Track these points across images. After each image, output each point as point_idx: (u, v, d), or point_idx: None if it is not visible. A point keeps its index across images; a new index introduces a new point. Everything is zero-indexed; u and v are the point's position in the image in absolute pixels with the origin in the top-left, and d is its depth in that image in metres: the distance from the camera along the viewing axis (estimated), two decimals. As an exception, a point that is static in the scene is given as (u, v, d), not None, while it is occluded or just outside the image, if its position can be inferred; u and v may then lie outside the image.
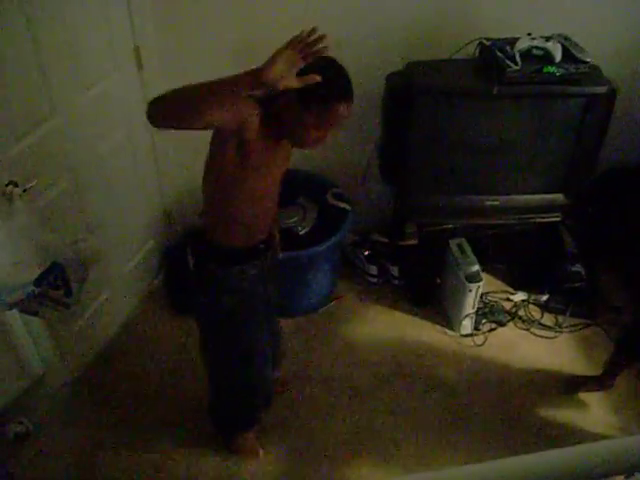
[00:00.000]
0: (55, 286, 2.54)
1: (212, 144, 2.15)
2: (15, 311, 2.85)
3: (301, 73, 1.80)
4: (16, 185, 2.49)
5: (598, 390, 3.27)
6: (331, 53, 3.29)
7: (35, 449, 2.97)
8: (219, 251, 2.32)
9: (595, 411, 3.21)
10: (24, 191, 2.52)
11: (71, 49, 2.73)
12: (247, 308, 2.42)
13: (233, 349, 2.54)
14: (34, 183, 2.57)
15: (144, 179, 3.53)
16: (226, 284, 2.36)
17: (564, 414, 3.19)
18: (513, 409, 3.21)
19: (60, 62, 2.68)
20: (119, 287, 3.49)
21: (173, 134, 3.55)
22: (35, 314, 2.55)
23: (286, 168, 2.30)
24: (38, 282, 2.45)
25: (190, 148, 3.66)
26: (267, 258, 2.44)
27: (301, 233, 3.52)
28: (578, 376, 3.34)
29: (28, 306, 2.50)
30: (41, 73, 2.58)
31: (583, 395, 3.27)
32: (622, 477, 1.25)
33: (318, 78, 1.80)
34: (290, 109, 1.97)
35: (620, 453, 0.98)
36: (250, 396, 2.75)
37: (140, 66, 3.22)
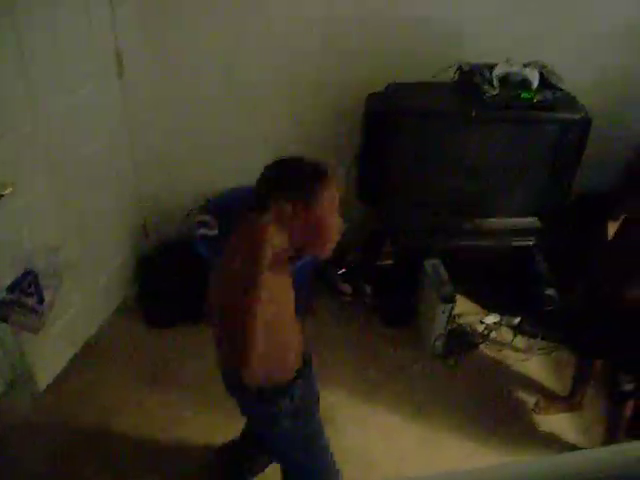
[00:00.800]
0: (27, 293, 2.54)
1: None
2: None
3: (272, 180, 1.91)
4: (-8, 190, 2.48)
5: (568, 411, 3.29)
6: (313, 73, 3.36)
7: (4, 457, 2.93)
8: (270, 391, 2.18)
9: (564, 433, 3.23)
10: (0, 197, 2.50)
11: (54, 54, 2.74)
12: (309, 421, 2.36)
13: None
14: (10, 190, 2.55)
15: (122, 189, 3.53)
16: (288, 411, 2.22)
17: (535, 435, 3.21)
18: (483, 429, 3.22)
19: (42, 66, 2.68)
20: (92, 297, 3.47)
21: (152, 145, 3.59)
22: (5, 320, 2.54)
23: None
24: (11, 289, 2.45)
25: (172, 160, 3.70)
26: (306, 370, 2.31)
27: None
28: (547, 398, 3.37)
29: (-1, 312, 2.49)
30: (23, 77, 2.58)
31: (553, 417, 3.29)
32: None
33: None
34: (300, 218, 1.89)
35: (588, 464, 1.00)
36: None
37: (121, 73, 3.24)
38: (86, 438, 3.07)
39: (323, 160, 1.97)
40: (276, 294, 1.91)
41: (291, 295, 2.06)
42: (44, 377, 3.24)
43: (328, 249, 2.01)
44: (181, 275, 3.65)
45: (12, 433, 3.04)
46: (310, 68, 3.44)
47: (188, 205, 3.71)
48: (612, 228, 2.89)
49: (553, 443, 3.18)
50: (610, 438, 3.02)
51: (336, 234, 1.98)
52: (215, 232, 3.55)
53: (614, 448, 1.01)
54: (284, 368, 2.14)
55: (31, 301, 2.55)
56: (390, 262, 3.68)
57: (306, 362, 2.28)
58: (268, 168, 1.93)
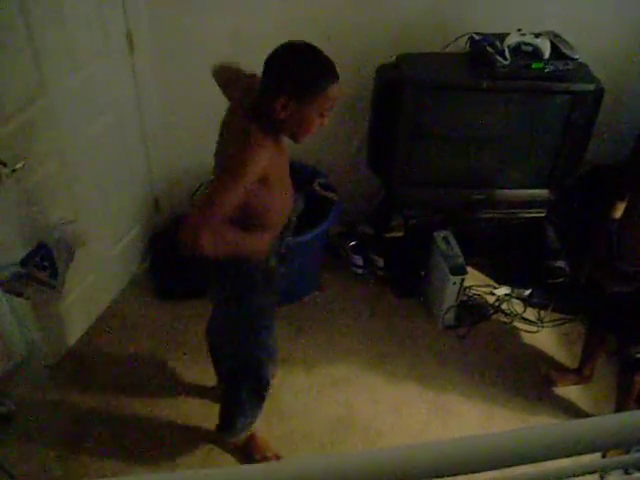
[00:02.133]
0: (41, 267, 2.55)
1: None
2: (-1, 292, 2.86)
3: (274, 59, 2.01)
4: (5, 165, 2.49)
5: (577, 383, 3.31)
6: (322, 44, 3.32)
7: (18, 430, 2.98)
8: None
9: (574, 403, 3.25)
10: (12, 171, 2.51)
11: (63, 31, 2.73)
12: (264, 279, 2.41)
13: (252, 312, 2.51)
14: (23, 164, 2.56)
15: (133, 164, 3.53)
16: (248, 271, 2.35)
17: (545, 406, 3.23)
18: (493, 400, 3.24)
19: (51, 43, 2.67)
20: (104, 271, 3.49)
21: (164, 119, 3.58)
22: (20, 295, 2.56)
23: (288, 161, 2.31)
24: (24, 262, 2.46)
25: (181, 135, 3.69)
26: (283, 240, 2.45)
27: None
28: (558, 370, 3.38)
29: (13, 286, 2.51)
30: (32, 54, 2.57)
31: (563, 389, 3.31)
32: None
33: None
34: (288, 111, 1.98)
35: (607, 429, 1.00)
36: (263, 355, 2.67)
37: (131, 50, 3.21)
38: (98, 411, 3.10)
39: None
40: (275, 170, 2.07)
41: (280, 160, 2.16)
42: (57, 350, 3.27)
43: (301, 140, 2.12)
44: (192, 249, 3.66)
45: (26, 406, 3.08)
46: (320, 41, 3.40)
47: (199, 179, 3.70)
48: (619, 209, 2.88)
49: (563, 413, 3.20)
50: (620, 408, 3.03)
51: (315, 130, 2.07)
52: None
53: (625, 415, 1.02)
54: (266, 225, 2.22)
55: (44, 275, 2.56)
56: (401, 234, 3.68)
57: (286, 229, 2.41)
58: (280, 51, 2.01)
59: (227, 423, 2.87)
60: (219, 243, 2.00)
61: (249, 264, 2.31)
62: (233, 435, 2.88)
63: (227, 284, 2.43)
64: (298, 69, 1.97)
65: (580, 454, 0.98)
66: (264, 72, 2.02)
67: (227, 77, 2.48)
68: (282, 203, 2.24)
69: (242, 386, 2.69)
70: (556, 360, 3.47)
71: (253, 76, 2.26)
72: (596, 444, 1.01)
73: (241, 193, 1.95)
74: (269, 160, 2.00)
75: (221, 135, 2.34)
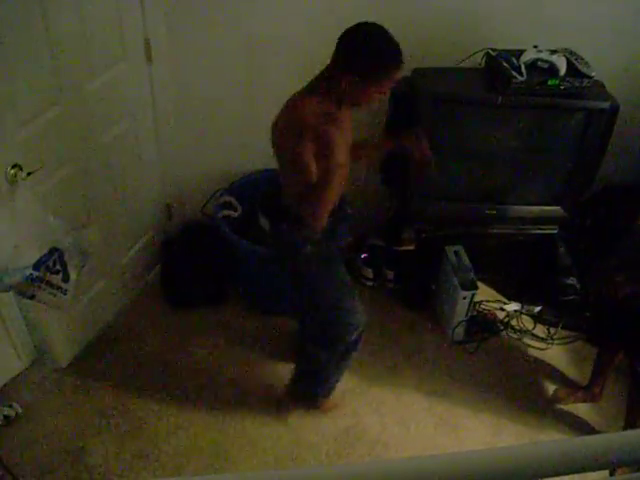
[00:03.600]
0: (54, 271, 2.56)
1: (286, 173, 2.46)
2: (11, 295, 2.87)
3: (347, 37, 2.19)
4: (20, 169, 2.50)
5: (586, 401, 3.29)
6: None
7: (24, 433, 2.98)
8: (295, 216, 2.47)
9: (583, 421, 3.23)
10: (28, 175, 2.53)
11: (82, 37, 2.74)
12: (324, 254, 2.62)
13: (327, 286, 2.71)
14: (38, 168, 2.57)
15: (146, 171, 3.55)
16: (302, 242, 2.54)
17: (553, 423, 3.21)
18: (501, 416, 3.23)
19: (70, 49, 2.69)
20: (116, 277, 3.50)
21: (178, 127, 3.60)
22: (32, 297, 2.56)
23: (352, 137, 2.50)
24: (37, 266, 2.47)
25: (194, 143, 3.71)
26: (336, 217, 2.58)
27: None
28: (567, 387, 3.36)
29: (25, 289, 2.51)
30: (51, 59, 2.59)
31: (572, 406, 3.29)
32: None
33: None
34: (352, 87, 2.18)
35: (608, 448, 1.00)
36: (344, 317, 2.80)
37: (149, 58, 3.23)
38: (105, 416, 3.11)
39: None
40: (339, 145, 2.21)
41: (348, 134, 2.39)
42: (67, 355, 3.28)
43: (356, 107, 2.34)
44: (204, 257, 3.67)
45: (33, 409, 3.08)
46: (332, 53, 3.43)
47: (211, 187, 3.72)
48: None
49: (572, 431, 3.19)
50: (630, 425, 3.01)
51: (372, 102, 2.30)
52: (238, 214, 3.57)
53: (635, 433, 1.01)
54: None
55: (57, 279, 2.57)
56: (412, 247, 3.68)
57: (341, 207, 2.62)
58: (353, 31, 2.20)
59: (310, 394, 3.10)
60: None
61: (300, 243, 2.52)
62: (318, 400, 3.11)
63: (288, 264, 2.72)
64: (369, 51, 2.16)
65: (589, 471, 0.98)
66: (336, 49, 2.21)
67: None
68: (344, 174, 2.33)
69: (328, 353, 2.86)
70: (565, 377, 3.46)
71: None
72: (606, 461, 1.00)
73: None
74: (323, 124, 2.17)
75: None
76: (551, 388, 3.37)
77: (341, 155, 2.21)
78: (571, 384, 3.41)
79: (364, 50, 2.16)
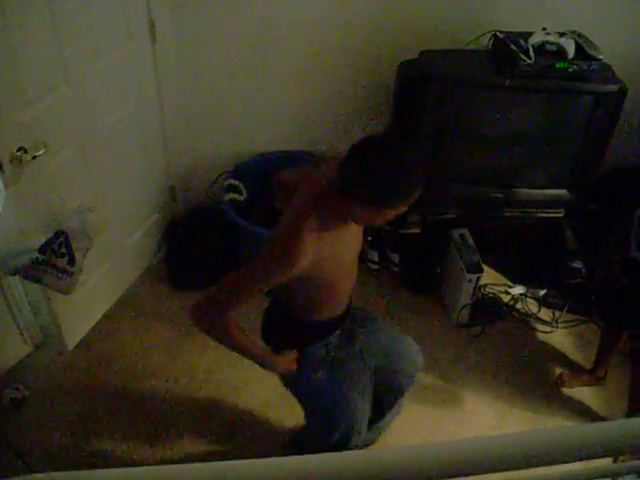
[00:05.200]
0: (59, 254, 2.56)
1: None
2: (16, 279, 2.88)
3: (354, 159, 1.81)
4: (25, 151, 2.50)
5: (590, 384, 3.29)
6: (345, 38, 3.32)
7: (30, 416, 3.00)
8: (301, 328, 2.23)
9: (587, 405, 3.23)
10: (33, 158, 2.52)
11: (86, 19, 2.73)
12: (340, 373, 2.32)
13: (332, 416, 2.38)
14: (43, 151, 2.57)
15: (151, 153, 3.54)
16: (315, 359, 2.27)
17: (558, 407, 3.22)
18: (506, 400, 3.23)
19: (75, 31, 2.68)
20: (120, 260, 3.50)
21: (183, 109, 3.59)
22: (38, 281, 2.57)
23: (360, 240, 2.17)
24: (42, 249, 2.47)
25: (200, 125, 3.69)
26: (347, 320, 2.35)
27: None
28: (571, 370, 3.37)
29: (31, 272, 2.52)
30: (55, 40, 2.58)
31: (576, 389, 3.29)
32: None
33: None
34: (358, 213, 1.88)
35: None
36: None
37: (153, 39, 3.21)
38: (111, 397, 3.13)
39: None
40: (331, 262, 1.94)
41: (344, 246, 2.01)
42: (72, 337, 3.29)
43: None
44: (208, 239, 3.67)
45: (40, 392, 3.10)
46: (341, 36, 3.41)
47: (216, 170, 3.71)
48: None
49: (576, 414, 3.19)
50: (633, 408, 3.02)
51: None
52: (243, 197, 3.57)
53: (637, 420, 1.01)
54: (328, 310, 2.18)
55: (62, 262, 2.57)
56: (418, 231, 3.67)
57: (348, 314, 2.32)
58: (361, 152, 1.82)
59: None
60: (218, 334, 1.98)
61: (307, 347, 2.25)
62: None
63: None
64: (376, 180, 1.78)
65: (593, 458, 0.98)
66: (342, 166, 1.83)
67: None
68: (345, 283, 2.15)
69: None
70: (570, 361, 3.45)
71: (334, 159, 2.00)
72: (609, 448, 1.00)
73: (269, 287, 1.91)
74: (319, 256, 1.85)
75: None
76: (556, 372, 3.37)
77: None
78: (576, 367, 3.41)
79: (373, 178, 1.78)
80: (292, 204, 1.98)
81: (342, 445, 2.42)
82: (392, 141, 1.85)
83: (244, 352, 2.06)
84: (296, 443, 2.85)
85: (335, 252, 1.94)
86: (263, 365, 2.16)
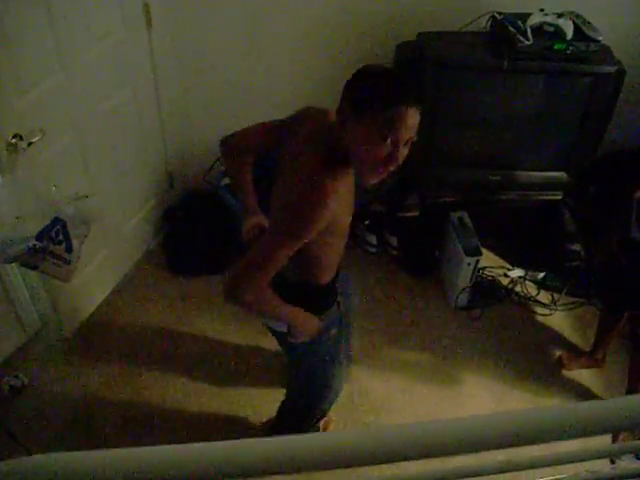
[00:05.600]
0: (56, 241, 2.54)
1: None
2: (14, 266, 2.86)
3: (355, 83, 1.76)
4: (21, 138, 2.48)
5: (589, 367, 3.30)
6: (341, 19, 3.29)
7: (31, 403, 3.00)
8: (318, 293, 2.18)
9: (587, 386, 3.24)
10: (29, 145, 2.51)
11: (81, 3, 2.70)
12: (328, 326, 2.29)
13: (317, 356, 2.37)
14: (39, 137, 2.55)
15: (148, 139, 3.52)
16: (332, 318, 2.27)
17: (557, 388, 3.23)
18: (505, 382, 3.24)
19: (69, 16, 2.65)
20: (118, 245, 3.49)
21: (179, 94, 3.57)
22: (35, 268, 2.55)
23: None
24: (40, 236, 2.45)
25: (197, 110, 3.67)
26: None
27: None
28: (570, 353, 3.37)
29: (29, 260, 2.50)
30: (50, 26, 2.55)
31: (575, 372, 3.30)
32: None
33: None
34: (347, 130, 1.76)
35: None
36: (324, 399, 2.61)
37: (149, 24, 3.18)
38: (110, 383, 3.13)
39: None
40: (340, 216, 1.89)
41: (348, 201, 1.96)
42: (70, 324, 3.28)
43: (367, 177, 1.83)
44: (205, 224, 3.66)
45: (39, 379, 3.10)
46: (337, 18, 3.38)
47: (213, 155, 3.69)
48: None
49: (575, 396, 3.20)
50: (632, 389, 3.03)
51: (385, 168, 1.78)
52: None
53: (636, 398, 1.01)
54: (326, 271, 2.13)
55: (60, 249, 2.55)
56: (416, 214, 3.66)
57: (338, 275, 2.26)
58: (353, 74, 1.78)
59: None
60: (262, 306, 1.93)
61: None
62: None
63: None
64: (360, 87, 1.74)
65: (590, 435, 0.98)
66: (344, 89, 1.80)
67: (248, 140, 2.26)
68: (340, 250, 2.12)
69: (299, 421, 2.66)
70: (569, 343, 3.46)
71: (326, 112, 1.99)
72: (608, 426, 1.00)
73: (295, 249, 1.80)
74: (337, 209, 1.78)
75: (280, 171, 2.01)
76: (555, 354, 3.38)
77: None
78: (575, 350, 3.42)
79: (357, 86, 1.75)
80: (301, 159, 1.88)
81: (332, 398, 2.59)
82: (381, 66, 1.87)
83: (285, 316, 2.05)
84: (280, 415, 2.81)
85: (344, 203, 1.88)
86: (303, 325, 2.09)
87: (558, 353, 3.38)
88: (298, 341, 2.15)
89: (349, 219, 2.03)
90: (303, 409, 2.64)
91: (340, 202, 1.80)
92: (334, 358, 2.40)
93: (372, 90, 1.71)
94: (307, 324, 2.10)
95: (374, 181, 1.84)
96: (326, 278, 2.14)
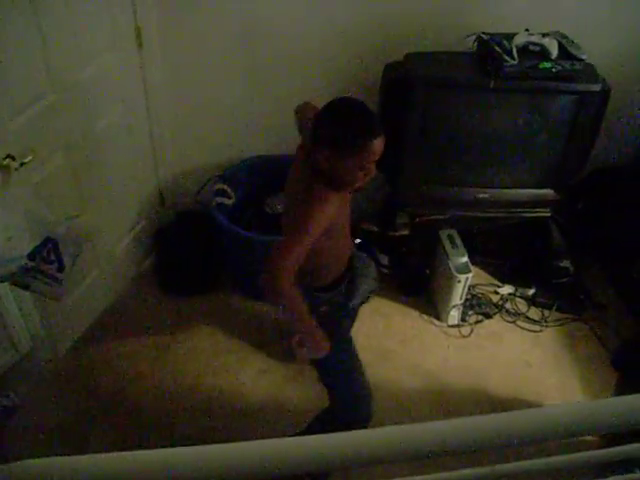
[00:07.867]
0: (48, 260, 2.55)
1: None
2: (5, 285, 2.86)
3: (322, 119, 2.05)
4: (13, 159, 2.50)
5: None
6: (330, 41, 3.33)
7: (22, 423, 2.98)
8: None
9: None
10: (21, 165, 2.52)
11: (72, 25, 2.74)
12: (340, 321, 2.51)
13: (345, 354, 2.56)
14: (30, 158, 2.57)
15: (139, 159, 3.54)
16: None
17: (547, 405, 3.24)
18: (496, 400, 3.25)
19: (61, 38, 2.68)
20: (110, 266, 3.50)
21: (171, 115, 3.59)
22: (26, 287, 2.55)
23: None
24: (31, 256, 2.46)
25: (187, 130, 3.70)
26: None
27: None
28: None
29: (20, 279, 2.50)
30: (42, 48, 2.58)
31: (569, 390, 3.31)
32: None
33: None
34: (330, 163, 2.03)
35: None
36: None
37: (140, 46, 3.22)
38: (101, 404, 3.12)
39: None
40: (338, 219, 2.14)
41: (343, 210, 2.21)
42: (63, 343, 3.28)
43: (348, 191, 2.16)
44: (198, 244, 3.68)
45: (30, 399, 3.08)
46: (327, 39, 3.42)
47: (205, 175, 3.72)
48: None
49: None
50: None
51: (367, 181, 2.10)
52: (232, 201, 3.57)
53: (629, 398, 1.03)
54: (329, 272, 2.34)
55: (52, 269, 2.56)
56: (406, 232, 3.68)
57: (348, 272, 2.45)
58: (326, 108, 2.06)
59: None
60: (294, 303, 2.08)
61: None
62: None
63: None
64: (333, 125, 2.02)
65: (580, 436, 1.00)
66: (314, 125, 2.08)
67: (305, 117, 2.43)
68: (342, 248, 2.34)
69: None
70: (559, 359, 3.47)
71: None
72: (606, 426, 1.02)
73: (309, 246, 2.02)
74: (334, 210, 2.06)
75: (290, 182, 2.33)
76: (545, 371, 3.39)
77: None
78: (565, 367, 3.43)
79: (335, 125, 2.03)
80: (302, 176, 2.17)
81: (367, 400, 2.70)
82: (351, 99, 2.08)
83: (304, 321, 2.16)
84: (321, 420, 2.81)
85: (338, 205, 2.10)
86: (312, 334, 2.22)
87: (547, 370, 3.39)
88: (317, 355, 2.27)
89: (346, 220, 2.30)
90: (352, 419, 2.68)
91: (335, 204, 2.07)
92: (354, 353, 2.59)
93: (346, 130, 2.00)
94: (319, 338, 2.22)
95: (358, 191, 2.16)
96: (329, 278, 2.35)
